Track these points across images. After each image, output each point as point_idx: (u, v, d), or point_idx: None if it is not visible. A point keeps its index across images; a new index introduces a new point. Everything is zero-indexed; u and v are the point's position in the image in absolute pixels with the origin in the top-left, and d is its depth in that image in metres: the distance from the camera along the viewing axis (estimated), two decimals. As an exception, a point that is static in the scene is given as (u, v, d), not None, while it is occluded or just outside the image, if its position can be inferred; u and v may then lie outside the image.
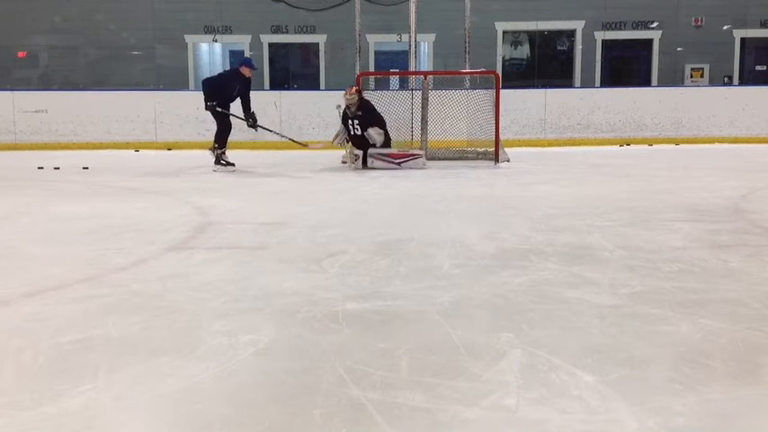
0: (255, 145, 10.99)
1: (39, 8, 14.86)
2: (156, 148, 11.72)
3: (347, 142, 8.64)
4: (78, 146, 11.70)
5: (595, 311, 2.69)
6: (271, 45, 15.38)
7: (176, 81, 14.79)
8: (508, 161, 8.73)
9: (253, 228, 4.59)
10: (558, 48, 15.92)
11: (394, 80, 14.83)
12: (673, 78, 15.04)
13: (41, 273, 3.39)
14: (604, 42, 15.25)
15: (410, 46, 9.94)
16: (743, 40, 15.17)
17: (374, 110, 8.58)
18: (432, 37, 15.00)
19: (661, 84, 14.78)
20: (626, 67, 15.79)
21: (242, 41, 15.33)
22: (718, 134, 12.19)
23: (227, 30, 15.17)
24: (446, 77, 12.17)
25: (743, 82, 14.99)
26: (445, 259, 3.58)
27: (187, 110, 11.94)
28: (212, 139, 10.38)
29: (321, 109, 11.77)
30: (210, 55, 16.51)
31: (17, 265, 3.61)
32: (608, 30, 15.19)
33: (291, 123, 11.93)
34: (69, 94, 12.61)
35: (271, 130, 9.23)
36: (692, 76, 15.13)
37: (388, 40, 15.16)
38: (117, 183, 7.12)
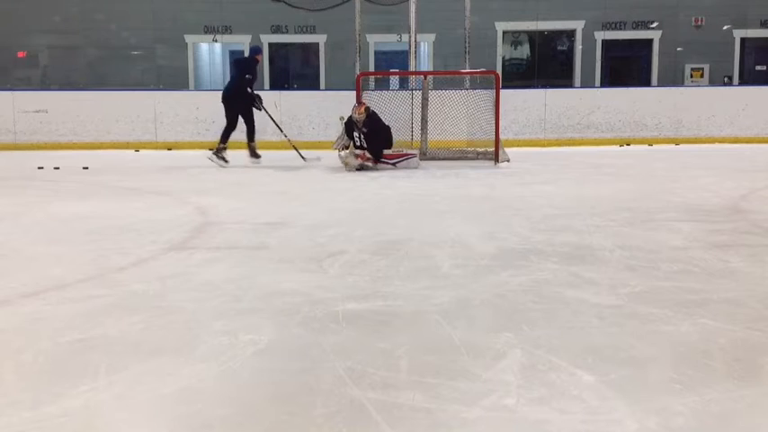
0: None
1: (39, 8, 14.86)
2: (156, 148, 11.72)
3: (347, 148, 8.62)
4: (78, 146, 11.70)
5: (595, 311, 2.69)
6: (271, 45, 15.38)
7: (176, 81, 14.79)
8: (508, 161, 8.73)
9: (253, 228, 4.59)
10: (558, 48, 15.93)
11: (394, 80, 14.83)
12: (673, 78, 15.04)
13: (41, 273, 3.39)
14: (604, 42, 15.25)
15: (410, 46, 9.94)
16: (743, 40, 15.17)
17: (379, 120, 8.56)
18: (432, 37, 15.01)
19: (661, 84, 14.78)
20: (626, 67, 15.79)
21: (242, 41, 15.32)
22: (718, 134, 12.19)
23: (227, 30, 15.18)
24: (446, 77, 12.18)
25: (743, 82, 14.99)
26: (445, 259, 3.58)
27: (187, 110, 11.95)
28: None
29: (321, 109, 11.77)
30: (210, 55, 16.51)
31: (17, 265, 3.61)
32: (608, 30, 15.19)
33: (291, 123, 11.92)
34: (69, 94, 12.61)
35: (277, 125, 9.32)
36: (692, 76, 15.13)
37: (388, 40, 15.16)
38: (117, 183, 7.12)
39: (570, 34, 15.52)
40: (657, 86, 14.39)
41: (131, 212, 5.20)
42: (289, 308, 2.75)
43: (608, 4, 15.07)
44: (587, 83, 15.01)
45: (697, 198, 5.71)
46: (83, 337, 2.43)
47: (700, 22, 15.03)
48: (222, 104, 8.95)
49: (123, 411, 1.86)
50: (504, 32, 15.43)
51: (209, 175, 8.02)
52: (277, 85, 15.20)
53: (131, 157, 10.60)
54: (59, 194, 6.41)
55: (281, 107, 11.21)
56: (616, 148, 11.67)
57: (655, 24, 15.17)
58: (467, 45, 10.40)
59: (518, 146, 11.24)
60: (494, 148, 8.93)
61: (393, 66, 15.64)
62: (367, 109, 8.40)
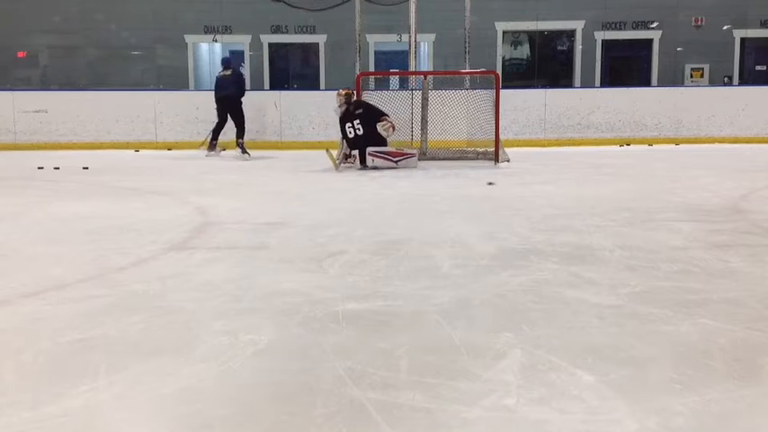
0: (255, 145, 10.99)
1: (39, 8, 14.86)
2: (156, 148, 11.72)
3: (348, 157, 8.63)
4: (78, 146, 11.70)
5: (595, 311, 2.69)
6: (271, 45, 15.37)
7: (176, 81, 14.79)
8: (508, 161, 8.73)
9: (253, 228, 4.59)
10: (558, 48, 15.92)
11: (394, 80, 14.83)
12: (673, 78, 15.04)
13: (41, 273, 3.39)
14: (604, 42, 15.25)
15: (410, 46, 9.94)
16: (743, 40, 15.17)
17: (372, 105, 8.64)
18: (432, 37, 15.00)
19: (661, 84, 14.78)
20: (626, 67, 15.79)
21: (242, 41, 15.32)
22: (718, 134, 12.19)
23: (227, 30, 15.17)
24: (446, 77, 12.18)
25: (743, 82, 14.99)
26: (445, 259, 3.58)
27: (187, 110, 11.95)
28: (212, 138, 10.51)
29: (321, 109, 11.77)
30: (210, 55, 16.50)
31: (17, 265, 3.61)
32: (608, 30, 15.19)
33: (291, 123, 11.94)
34: (69, 94, 12.61)
35: None
36: (692, 76, 15.13)
37: (388, 40, 15.16)
38: (117, 183, 7.12)
39: (570, 34, 15.52)
40: (657, 86, 14.39)
41: (131, 212, 5.20)
42: (289, 308, 2.75)
43: (608, 4, 15.06)
44: (587, 83, 15.01)
45: (697, 198, 5.71)
46: (83, 337, 2.44)
47: (700, 22, 15.03)
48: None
49: (123, 411, 1.86)
50: (504, 32, 15.43)
51: (209, 175, 8.02)
52: (277, 85, 15.20)
53: (131, 157, 10.60)
54: (59, 194, 6.41)
55: (281, 107, 11.21)
56: (616, 148, 11.67)
57: (655, 24, 15.17)
58: (467, 45, 10.40)
59: (518, 146, 11.24)
60: (494, 148, 8.93)
61: (393, 66, 15.63)
62: (349, 95, 8.45)
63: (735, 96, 12.47)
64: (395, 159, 8.43)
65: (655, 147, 11.76)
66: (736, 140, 12.10)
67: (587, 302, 2.81)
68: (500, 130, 9.06)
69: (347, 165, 8.43)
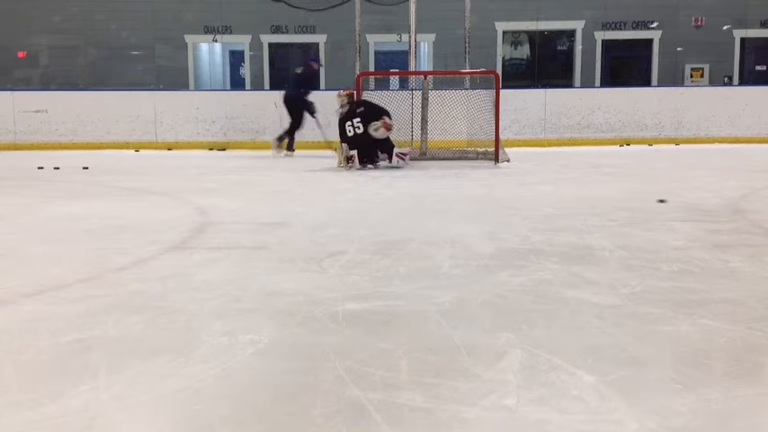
0: (255, 145, 11.00)
1: (39, 8, 14.87)
2: (156, 148, 11.72)
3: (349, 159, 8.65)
4: (78, 146, 11.71)
5: (595, 311, 2.68)
6: (271, 45, 15.38)
7: (176, 81, 14.80)
8: (508, 161, 8.73)
9: (253, 228, 4.58)
10: (558, 48, 15.93)
11: (394, 80, 14.85)
12: (673, 78, 15.04)
13: (41, 273, 3.38)
14: (604, 42, 15.26)
15: (410, 46, 9.94)
16: (743, 40, 15.18)
17: (373, 103, 8.66)
18: (432, 37, 15.01)
19: (661, 84, 14.78)
20: (626, 67, 15.80)
21: (242, 41, 15.33)
22: (718, 134, 12.20)
23: (227, 30, 15.18)
24: (446, 77, 12.19)
25: (743, 82, 15.00)
26: (445, 259, 3.58)
27: (187, 110, 11.96)
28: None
29: (321, 109, 11.76)
30: (210, 55, 16.51)
31: (17, 265, 3.61)
32: (608, 30, 15.20)
33: (291, 123, 11.92)
34: (69, 94, 12.62)
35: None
36: (691, 76, 15.14)
37: (388, 40, 15.17)
38: (117, 183, 7.12)
39: (570, 34, 15.53)
40: (657, 86, 14.39)
41: (131, 212, 5.20)
42: (289, 308, 2.74)
43: (608, 4, 15.07)
44: (587, 83, 15.02)
45: (697, 198, 5.71)
46: (83, 337, 2.43)
47: (700, 22, 15.04)
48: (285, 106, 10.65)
49: (123, 411, 1.86)
50: (504, 32, 15.44)
51: (209, 175, 8.02)
52: (277, 85, 15.20)
53: (131, 157, 10.60)
54: (59, 194, 6.41)
55: (281, 107, 11.20)
56: (616, 148, 11.67)
57: (655, 24, 15.17)
58: (467, 45, 10.40)
59: (518, 146, 11.24)
60: (494, 148, 8.93)
61: (393, 66, 15.65)
62: (351, 95, 8.47)
63: (735, 96, 12.47)
64: (402, 153, 8.59)
65: (655, 147, 11.76)
66: (736, 140, 12.10)
67: (587, 302, 2.81)
68: (500, 130, 9.07)
69: (348, 167, 8.42)
